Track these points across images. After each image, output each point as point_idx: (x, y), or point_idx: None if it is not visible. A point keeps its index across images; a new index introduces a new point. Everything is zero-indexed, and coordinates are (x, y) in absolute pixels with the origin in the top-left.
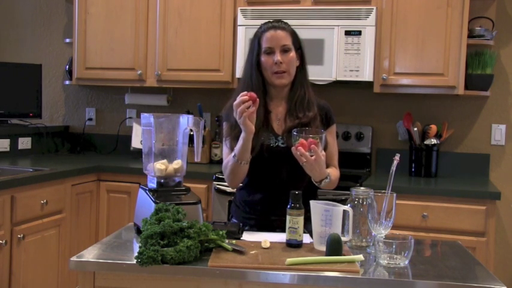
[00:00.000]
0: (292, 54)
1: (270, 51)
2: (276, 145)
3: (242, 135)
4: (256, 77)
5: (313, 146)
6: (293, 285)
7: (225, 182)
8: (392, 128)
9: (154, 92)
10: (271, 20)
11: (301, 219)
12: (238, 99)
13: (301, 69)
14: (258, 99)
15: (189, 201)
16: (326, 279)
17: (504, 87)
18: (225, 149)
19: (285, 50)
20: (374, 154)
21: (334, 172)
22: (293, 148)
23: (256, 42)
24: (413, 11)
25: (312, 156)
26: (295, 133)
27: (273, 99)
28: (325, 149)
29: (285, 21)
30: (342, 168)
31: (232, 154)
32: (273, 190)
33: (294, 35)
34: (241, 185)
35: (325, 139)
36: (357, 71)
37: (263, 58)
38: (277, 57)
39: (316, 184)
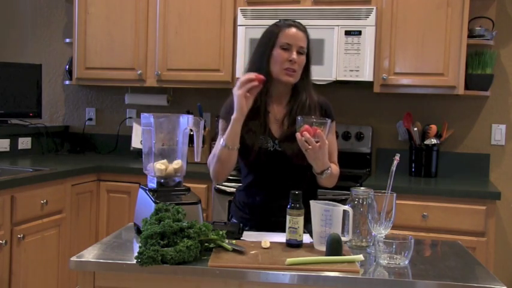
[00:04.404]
0: (304, 57)
1: (288, 48)
2: (273, 149)
3: (233, 116)
4: (266, 70)
5: (319, 131)
6: (293, 285)
7: (225, 182)
8: (392, 128)
9: (154, 92)
10: (290, 19)
11: (301, 219)
12: (245, 76)
13: (306, 73)
14: (264, 80)
15: (189, 201)
16: (326, 279)
17: (504, 87)
18: (217, 144)
19: (300, 52)
20: (374, 154)
21: (334, 167)
22: (297, 134)
23: (273, 36)
24: (413, 11)
25: (317, 142)
26: (299, 119)
27: (273, 99)
28: None
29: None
30: (342, 168)
31: (221, 140)
32: (271, 193)
33: (308, 40)
34: (240, 185)
35: (329, 128)
36: (357, 71)
37: (277, 52)
38: (294, 55)
39: (318, 176)
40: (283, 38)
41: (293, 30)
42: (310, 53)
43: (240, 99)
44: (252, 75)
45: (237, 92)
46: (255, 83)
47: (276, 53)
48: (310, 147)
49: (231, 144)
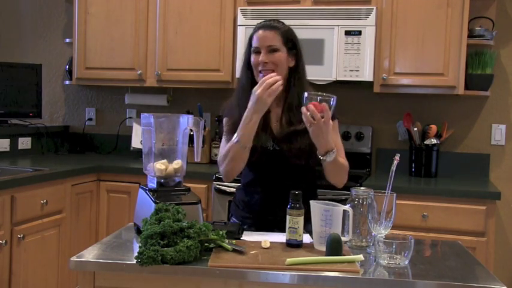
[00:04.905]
0: (280, 54)
1: (257, 51)
2: (272, 148)
3: (253, 118)
4: (246, 77)
5: (324, 104)
6: (293, 285)
7: (225, 182)
8: (392, 128)
9: (154, 92)
10: (265, 20)
11: (301, 219)
12: (277, 82)
13: (296, 69)
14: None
15: (189, 201)
16: (326, 279)
17: (504, 87)
18: (224, 143)
19: (271, 50)
20: (374, 154)
21: (341, 158)
22: (303, 108)
23: (249, 42)
24: (413, 11)
25: (322, 118)
26: (306, 95)
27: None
28: None
29: (281, 20)
30: None
31: (235, 140)
32: (270, 192)
33: (286, 35)
34: (239, 185)
35: (335, 105)
36: (357, 71)
37: (252, 57)
38: (262, 57)
39: (322, 159)
40: (253, 43)
41: (259, 32)
42: (298, 47)
43: (266, 104)
44: (279, 79)
45: (265, 97)
46: (281, 87)
47: (251, 59)
48: (314, 122)
49: (247, 143)
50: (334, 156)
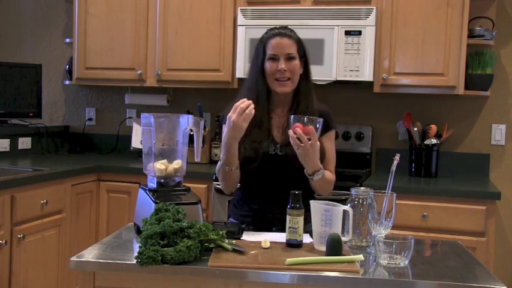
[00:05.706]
0: (296, 62)
1: (275, 58)
2: (274, 153)
3: (228, 140)
4: (262, 83)
5: (310, 128)
6: (293, 285)
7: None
8: (392, 128)
9: (155, 92)
10: (277, 26)
11: (301, 219)
12: (250, 106)
13: (305, 77)
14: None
15: (189, 201)
16: (326, 279)
17: (504, 87)
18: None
19: (289, 58)
20: (374, 154)
21: (329, 173)
22: (290, 130)
23: (261, 48)
24: (413, 11)
25: (309, 140)
26: (292, 117)
27: (276, 107)
28: (322, 155)
29: (291, 28)
30: (342, 168)
31: (221, 163)
32: (270, 196)
33: (298, 43)
34: (239, 185)
35: (321, 127)
36: (357, 71)
37: (267, 64)
38: (282, 65)
39: (309, 178)
40: (269, 50)
41: (277, 39)
42: (307, 55)
43: (242, 129)
44: (251, 103)
45: (240, 122)
46: (253, 110)
47: (266, 65)
48: (301, 144)
49: (232, 165)
50: (321, 176)
